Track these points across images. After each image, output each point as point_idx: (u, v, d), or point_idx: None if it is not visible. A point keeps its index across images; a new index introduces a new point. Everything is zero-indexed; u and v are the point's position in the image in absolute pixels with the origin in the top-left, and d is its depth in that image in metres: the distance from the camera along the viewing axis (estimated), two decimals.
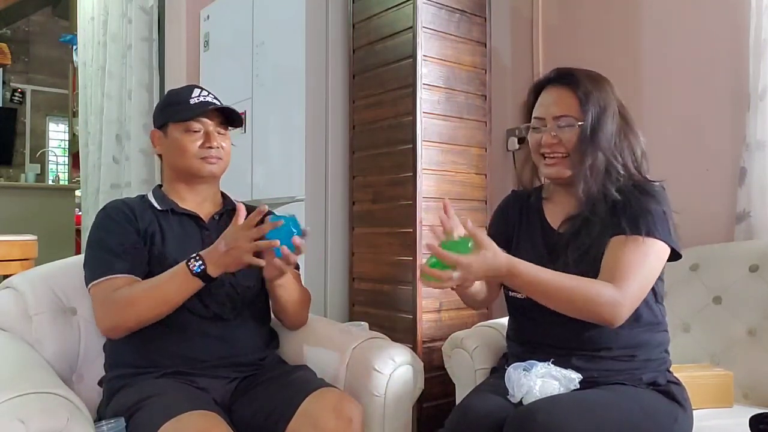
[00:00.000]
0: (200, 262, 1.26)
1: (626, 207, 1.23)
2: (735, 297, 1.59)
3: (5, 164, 6.85)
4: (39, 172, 6.55)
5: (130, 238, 1.36)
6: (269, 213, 1.31)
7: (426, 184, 2.08)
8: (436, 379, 1.94)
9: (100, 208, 1.45)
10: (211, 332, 1.36)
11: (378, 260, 2.23)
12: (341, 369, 1.42)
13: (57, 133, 8.16)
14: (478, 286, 1.33)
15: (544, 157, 1.31)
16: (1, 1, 6.41)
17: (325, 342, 1.51)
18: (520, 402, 1.15)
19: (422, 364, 1.48)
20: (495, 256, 1.12)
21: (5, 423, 0.93)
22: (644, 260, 1.18)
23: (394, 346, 1.45)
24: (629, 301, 1.16)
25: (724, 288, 1.62)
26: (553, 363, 1.20)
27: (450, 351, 1.61)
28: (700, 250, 1.71)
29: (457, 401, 1.48)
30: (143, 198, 1.48)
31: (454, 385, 1.61)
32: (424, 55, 2.09)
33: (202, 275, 1.26)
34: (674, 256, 1.24)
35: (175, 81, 3.21)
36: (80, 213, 4.71)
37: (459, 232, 1.19)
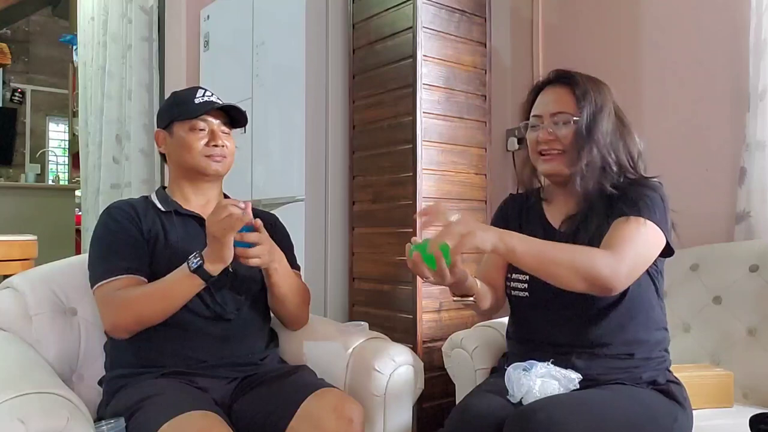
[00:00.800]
0: (198, 258, 1.26)
1: (624, 198, 1.24)
2: (735, 297, 1.59)
3: (5, 164, 6.85)
4: (39, 172, 6.55)
5: (134, 238, 1.36)
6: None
7: (426, 184, 2.08)
8: (436, 379, 1.94)
9: (102, 208, 1.46)
10: (211, 332, 1.36)
11: (378, 260, 2.23)
12: (341, 369, 1.42)
13: (57, 133, 8.17)
14: (481, 293, 1.31)
15: (542, 154, 1.32)
16: (1, 1, 6.41)
17: (325, 342, 1.51)
18: (520, 402, 1.15)
19: (422, 364, 1.48)
20: (484, 227, 1.13)
21: (5, 423, 0.93)
22: (639, 236, 1.18)
23: (394, 346, 1.45)
24: (625, 269, 1.13)
25: (724, 288, 1.62)
26: (552, 363, 1.20)
27: (450, 351, 1.61)
28: (700, 250, 1.71)
29: (457, 401, 1.48)
30: (146, 199, 1.48)
31: (454, 385, 1.61)
32: (424, 55, 2.09)
33: (201, 272, 1.26)
34: (668, 252, 1.24)
35: (175, 81, 3.22)
36: (80, 213, 4.71)
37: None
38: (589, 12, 2.17)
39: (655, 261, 1.24)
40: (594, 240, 1.24)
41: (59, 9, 7.32)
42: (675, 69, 1.93)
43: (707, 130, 1.85)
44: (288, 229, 1.61)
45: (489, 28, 2.29)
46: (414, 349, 1.99)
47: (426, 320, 2.05)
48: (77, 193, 5.17)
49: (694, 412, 1.24)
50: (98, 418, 1.25)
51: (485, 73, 2.27)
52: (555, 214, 1.37)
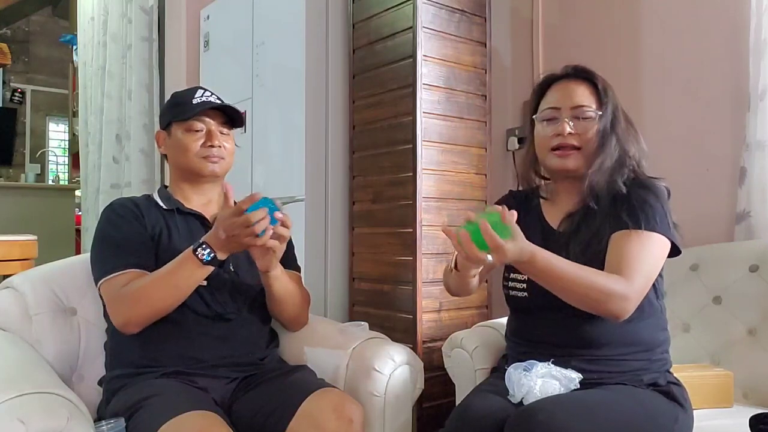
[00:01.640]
0: (208, 249, 1.26)
1: (627, 201, 1.23)
2: (735, 297, 1.59)
3: (5, 164, 6.85)
4: (39, 172, 6.55)
5: (138, 233, 1.36)
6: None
7: (426, 184, 2.08)
8: (436, 379, 1.94)
9: (104, 206, 1.45)
10: (212, 332, 1.36)
11: (378, 260, 2.23)
12: (341, 369, 1.42)
13: (57, 133, 8.17)
14: (473, 279, 1.31)
15: (557, 149, 1.29)
16: (1, 1, 6.41)
17: (325, 342, 1.51)
18: (521, 402, 1.15)
19: (422, 364, 1.48)
20: (524, 241, 1.12)
21: (5, 423, 0.93)
22: (648, 253, 1.19)
23: (394, 346, 1.45)
24: (636, 295, 1.16)
25: (724, 288, 1.62)
26: (553, 363, 1.20)
27: (450, 351, 1.61)
28: (700, 250, 1.71)
29: (457, 401, 1.48)
30: (148, 197, 1.48)
31: (454, 385, 1.61)
32: (424, 55, 2.09)
33: (213, 261, 1.27)
34: (674, 252, 1.24)
35: (175, 81, 3.21)
36: (80, 213, 4.71)
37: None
38: (589, 12, 2.17)
39: None
40: (593, 239, 1.24)
41: (59, 9, 7.32)
42: (675, 69, 1.93)
43: (707, 130, 1.85)
44: None
45: (489, 28, 2.29)
46: (414, 349, 1.99)
47: (426, 320, 2.05)
48: (77, 193, 5.17)
49: (694, 412, 1.24)
50: (98, 418, 1.25)
51: (485, 73, 2.27)
52: (554, 213, 1.37)
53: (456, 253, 1.25)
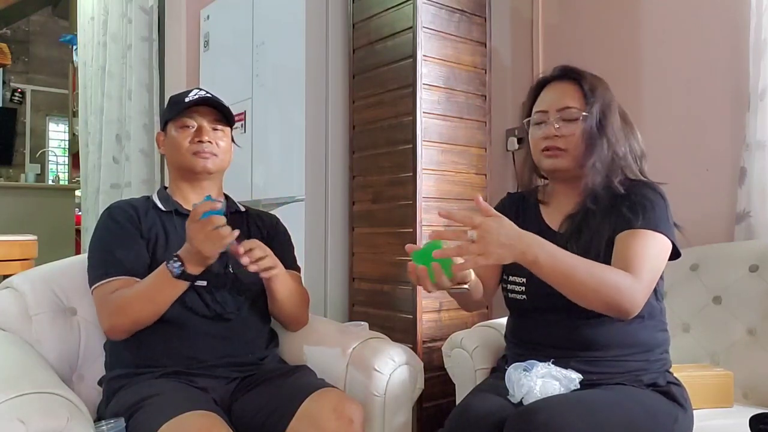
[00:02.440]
0: (179, 263, 1.27)
1: (629, 201, 1.23)
2: (735, 297, 1.59)
3: (5, 164, 6.85)
4: (39, 172, 6.55)
5: (132, 240, 1.37)
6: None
7: (426, 184, 2.08)
8: (436, 379, 1.94)
9: (103, 208, 1.46)
10: (212, 332, 1.36)
11: (378, 260, 2.23)
12: (341, 369, 1.42)
13: (57, 133, 8.16)
14: (473, 283, 1.30)
15: (546, 150, 1.29)
16: (1, 1, 6.41)
17: (325, 342, 1.51)
18: (521, 402, 1.15)
19: (422, 364, 1.48)
20: (514, 225, 1.09)
21: (5, 423, 0.93)
22: (653, 252, 1.18)
23: (394, 346, 1.45)
24: (645, 290, 1.15)
25: (724, 288, 1.62)
26: (553, 363, 1.20)
27: (450, 351, 1.61)
28: (700, 250, 1.71)
29: (457, 401, 1.48)
30: (148, 199, 1.48)
31: (454, 385, 1.61)
32: (424, 55, 2.09)
33: (184, 276, 1.27)
34: (674, 255, 1.24)
35: (175, 81, 3.21)
36: (80, 213, 4.71)
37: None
38: (589, 12, 2.17)
39: None
40: (594, 239, 1.24)
41: (59, 9, 7.32)
42: (675, 69, 1.93)
43: (707, 130, 1.85)
44: (288, 229, 1.61)
45: (489, 28, 2.29)
46: (414, 349, 1.99)
47: (426, 320, 2.05)
48: (77, 193, 5.17)
49: (694, 412, 1.24)
50: (98, 418, 1.25)
51: (485, 73, 2.27)
52: (553, 215, 1.36)
53: None
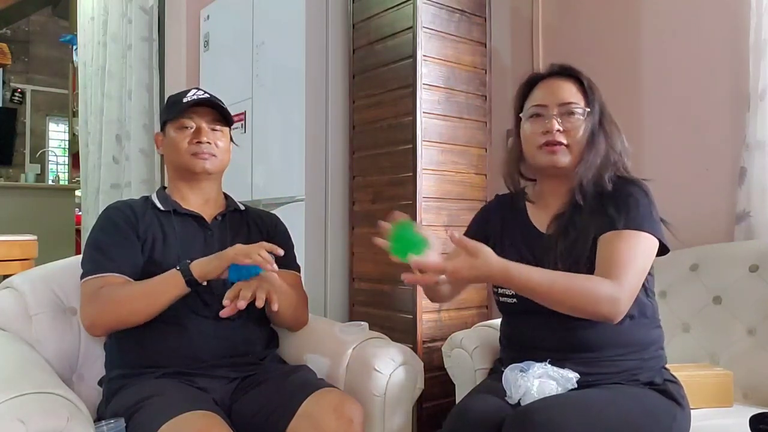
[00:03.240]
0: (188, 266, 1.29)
1: (614, 200, 1.23)
2: (735, 297, 1.59)
3: (5, 164, 6.84)
4: (39, 172, 6.55)
5: (127, 239, 1.37)
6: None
7: (426, 184, 2.07)
8: (436, 379, 1.94)
9: (102, 208, 1.46)
10: (212, 331, 1.36)
11: (378, 260, 2.22)
12: (341, 369, 1.42)
13: (57, 133, 8.16)
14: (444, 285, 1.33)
15: (546, 146, 1.28)
16: (1, 1, 6.41)
17: (325, 342, 1.51)
18: (518, 403, 1.15)
19: (422, 364, 1.48)
20: (486, 261, 1.11)
21: (5, 423, 0.93)
22: (637, 254, 1.18)
23: (394, 346, 1.45)
24: (627, 296, 1.16)
25: (724, 288, 1.62)
26: (549, 363, 1.20)
27: (450, 351, 1.61)
28: (700, 250, 1.71)
29: (457, 401, 1.48)
30: (147, 199, 1.49)
31: (454, 385, 1.61)
32: (424, 55, 2.09)
33: (186, 272, 1.28)
34: (662, 250, 1.24)
35: (175, 81, 3.21)
36: (80, 213, 4.71)
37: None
38: (589, 12, 2.17)
39: None
40: (580, 238, 1.24)
41: (59, 9, 7.31)
42: (675, 69, 1.93)
43: (707, 130, 1.85)
44: (288, 229, 1.61)
45: (489, 28, 2.29)
46: (414, 349, 1.99)
47: (426, 320, 2.05)
48: (77, 193, 5.17)
49: (693, 411, 1.24)
50: (98, 418, 1.25)
51: (485, 73, 2.27)
52: (540, 216, 1.36)
53: None
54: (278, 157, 2.50)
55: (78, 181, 5.01)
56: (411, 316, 2.05)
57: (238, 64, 2.71)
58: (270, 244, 1.28)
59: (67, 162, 7.60)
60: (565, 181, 1.30)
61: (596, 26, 2.15)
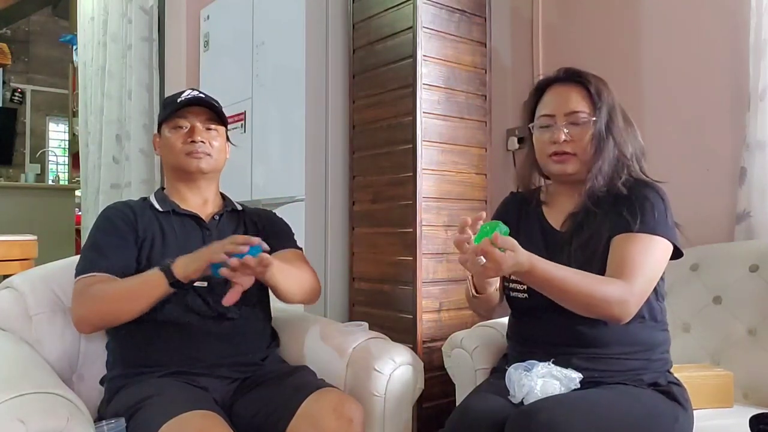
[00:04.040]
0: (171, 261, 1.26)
1: (629, 203, 1.23)
2: (735, 297, 1.59)
3: (5, 164, 6.85)
4: (39, 172, 6.55)
5: (123, 240, 1.37)
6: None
7: (426, 184, 2.07)
8: (436, 379, 1.94)
9: (104, 206, 1.46)
10: (213, 332, 1.36)
11: (378, 260, 2.23)
12: (341, 369, 1.42)
13: (57, 133, 8.16)
14: (493, 292, 1.32)
15: (555, 155, 1.30)
16: (1, 1, 6.41)
17: (325, 342, 1.51)
18: (521, 402, 1.15)
19: (422, 364, 1.48)
20: (522, 253, 1.10)
21: (5, 423, 0.93)
22: (650, 257, 1.19)
23: (394, 346, 1.45)
24: (637, 298, 1.17)
25: (724, 288, 1.62)
26: (553, 363, 1.20)
27: (450, 351, 1.61)
28: (700, 250, 1.71)
29: (457, 401, 1.48)
30: (145, 200, 1.49)
31: (454, 385, 1.61)
32: (424, 55, 2.09)
33: (167, 271, 1.24)
34: (676, 254, 1.25)
35: (175, 81, 3.21)
36: (80, 213, 4.71)
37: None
38: (589, 12, 2.17)
39: None
40: (593, 238, 1.25)
41: (59, 9, 7.32)
42: (675, 69, 1.93)
43: (707, 130, 1.85)
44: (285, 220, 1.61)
45: (489, 28, 2.29)
46: (414, 349, 1.99)
47: (426, 320, 2.05)
48: (77, 193, 5.17)
49: (694, 412, 1.24)
50: (99, 418, 1.25)
51: (485, 73, 2.27)
52: (555, 215, 1.37)
53: (468, 279, 1.30)
54: (278, 157, 2.50)
55: (78, 181, 5.01)
56: (411, 316, 2.05)
57: (238, 64, 2.71)
58: (244, 236, 1.24)
59: (67, 162, 7.60)
60: (578, 184, 1.31)
61: (596, 26, 2.15)
